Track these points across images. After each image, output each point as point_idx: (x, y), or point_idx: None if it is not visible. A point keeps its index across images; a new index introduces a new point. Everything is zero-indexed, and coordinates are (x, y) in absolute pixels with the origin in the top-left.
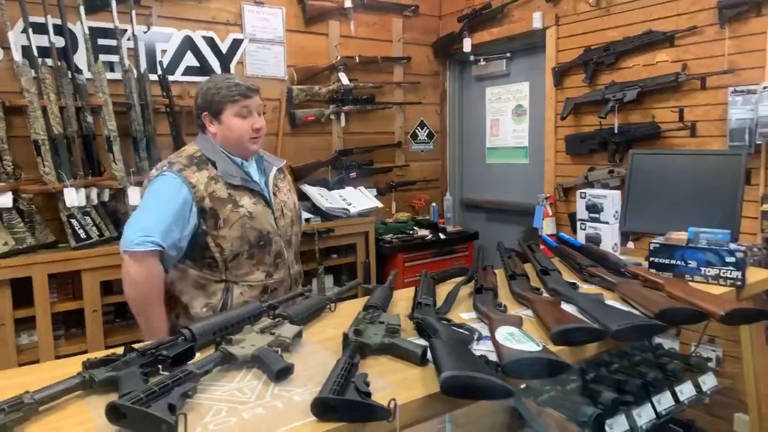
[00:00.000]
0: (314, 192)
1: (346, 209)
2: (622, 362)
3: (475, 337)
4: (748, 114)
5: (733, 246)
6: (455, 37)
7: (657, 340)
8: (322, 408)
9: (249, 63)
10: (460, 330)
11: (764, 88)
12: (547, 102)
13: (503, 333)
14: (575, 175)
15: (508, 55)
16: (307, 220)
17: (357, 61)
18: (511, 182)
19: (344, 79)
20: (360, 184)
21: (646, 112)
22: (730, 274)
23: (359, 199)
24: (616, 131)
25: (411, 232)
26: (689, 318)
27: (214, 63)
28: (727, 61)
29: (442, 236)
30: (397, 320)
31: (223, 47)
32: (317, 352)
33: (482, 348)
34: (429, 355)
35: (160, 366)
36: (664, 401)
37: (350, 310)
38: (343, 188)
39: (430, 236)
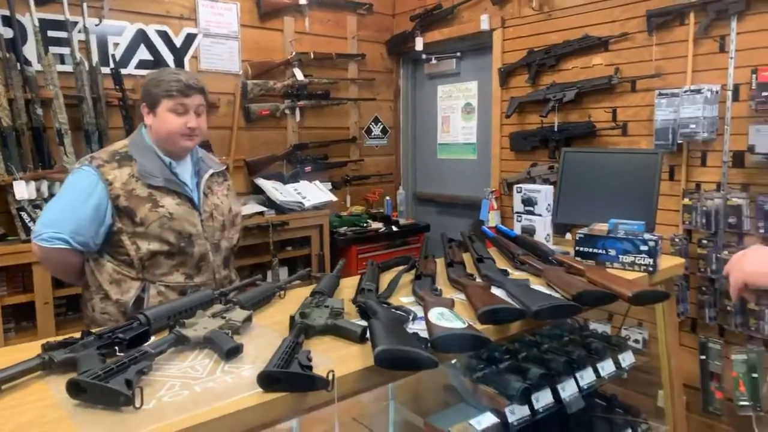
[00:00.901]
0: (269, 185)
1: (301, 203)
2: (551, 343)
3: (411, 317)
4: (671, 115)
5: (646, 236)
6: (408, 36)
7: (591, 324)
8: (267, 380)
9: (203, 57)
10: (398, 312)
11: (686, 91)
12: (494, 101)
13: (435, 313)
14: (519, 170)
15: (458, 54)
16: (261, 213)
17: (312, 57)
18: (460, 177)
19: (299, 75)
20: (315, 178)
21: (584, 112)
22: (644, 260)
23: (314, 192)
24: (556, 129)
25: (365, 224)
26: (602, 299)
27: (168, 57)
28: (655, 66)
29: (395, 228)
30: (340, 304)
31: (177, 41)
32: (266, 334)
33: (416, 327)
34: (368, 334)
35: (116, 348)
36: (586, 376)
37: (299, 296)
38: (298, 182)
39: (383, 229)
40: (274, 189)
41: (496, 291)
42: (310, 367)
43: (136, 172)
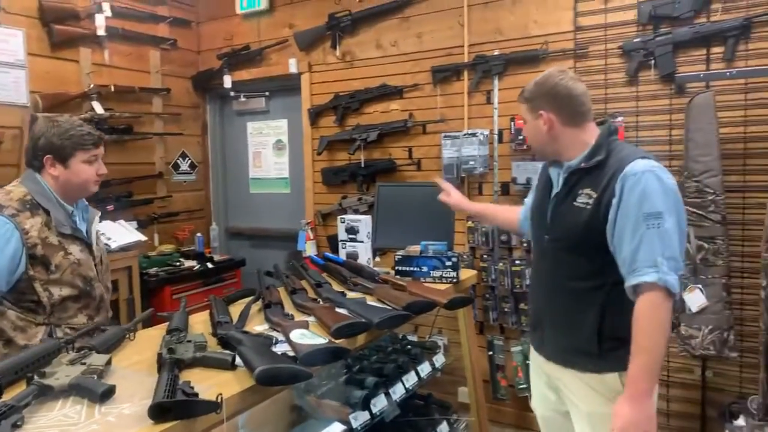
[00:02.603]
0: None
1: (107, 244)
2: (379, 354)
3: (273, 341)
4: (455, 153)
5: (449, 253)
6: (215, 73)
7: (404, 334)
8: (158, 411)
9: None
10: (261, 337)
11: (464, 134)
12: (305, 138)
13: (297, 334)
14: (331, 202)
15: (267, 93)
16: None
17: (112, 90)
18: (274, 210)
19: (99, 108)
20: (119, 217)
21: (385, 150)
22: (449, 274)
23: (119, 233)
24: (362, 165)
25: (177, 263)
26: (426, 307)
27: None
28: (440, 113)
29: (210, 265)
30: (202, 338)
31: None
32: (130, 375)
33: (280, 349)
34: (238, 360)
35: None
36: (410, 379)
37: (149, 337)
38: (101, 222)
39: (197, 266)
40: None
41: (340, 310)
42: (196, 394)
43: (51, 222)
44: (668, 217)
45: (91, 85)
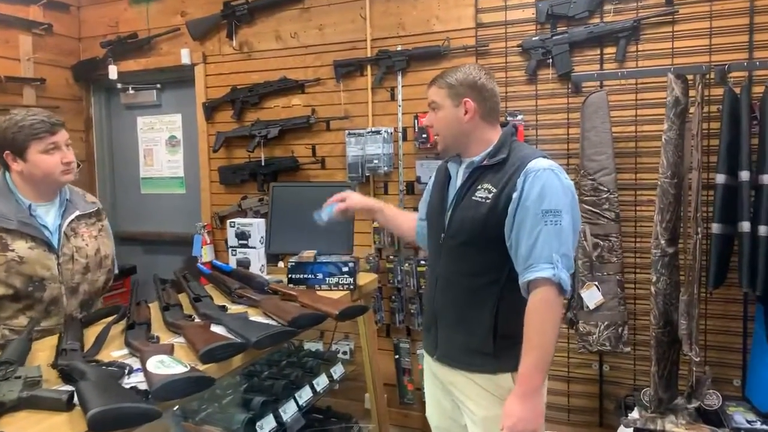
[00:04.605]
0: None
1: None
2: (271, 369)
3: (126, 371)
4: (359, 152)
5: (346, 258)
6: (99, 63)
7: (306, 344)
8: None
9: None
10: (111, 368)
11: (368, 132)
12: (200, 135)
13: (154, 362)
14: (230, 203)
15: (158, 86)
16: None
17: None
18: (169, 212)
19: None
20: None
21: (287, 148)
22: (346, 280)
23: None
24: (263, 164)
25: None
26: (314, 321)
27: None
28: (344, 109)
29: None
30: (37, 372)
31: None
32: None
33: (134, 380)
34: (76, 398)
35: None
36: (304, 394)
37: None
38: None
39: None
40: None
41: (216, 328)
42: None
43: None
44: (565, 216)
45: None
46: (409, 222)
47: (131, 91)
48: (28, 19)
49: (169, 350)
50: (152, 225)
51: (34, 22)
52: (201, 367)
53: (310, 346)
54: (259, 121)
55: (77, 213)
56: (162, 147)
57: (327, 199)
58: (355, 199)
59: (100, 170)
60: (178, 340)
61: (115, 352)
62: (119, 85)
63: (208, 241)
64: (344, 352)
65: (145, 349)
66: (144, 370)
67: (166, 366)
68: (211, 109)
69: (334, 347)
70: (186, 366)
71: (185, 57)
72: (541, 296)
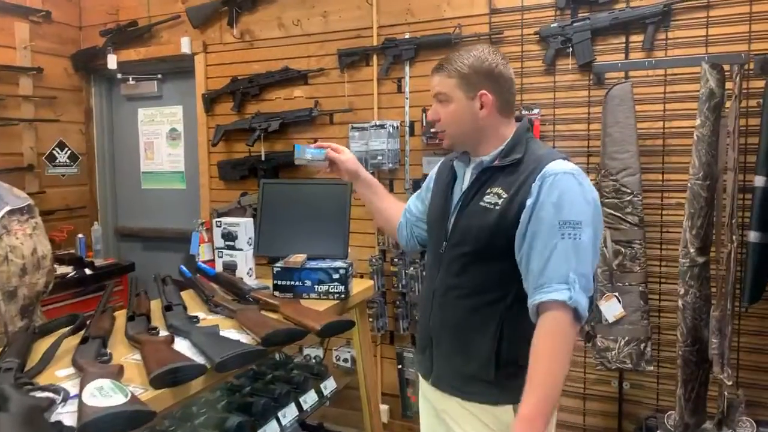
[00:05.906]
0: None
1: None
2: (254, 384)
3: (60, 399)
4: (363, 147)
5: (337, 264)
6: (98, 52)
7: (306, 350)
8: None
9: None
10: (43, 395)
11: (373, 126)
12: (199, 127)
13: (91, 388)
14: (230, 199)
15: (159, 76)
16: None
17: None
18: (169, 208)
19: None
20: None
21: (288, 142)
22: (336, 288)
23: None
24: (263, 158)
25: None
26: (290, 338)
27: None
28: (348, 101)
29: (88, 272)
30: None
31: None
32: None
33: (66, 410)
34: None
35: None
36: (288, 414)
37: None
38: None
39: (73, 273)
40: None
41: (180, 343)
42: None
43: None
44: (586, 228)
45: None
46: (397, 210)
47: (132, 82)
48: (25, 5)
49: (116, 372)
50: (152, 221)
51: (31, 9)
52: (149, 394)
53: (310, 351)
54: (259, 114)
55: (8, 208)
56: (163, 140)
57: (322, 200)
58: (350, 159)
59: (101, 164)
60: (136, 357)
61: (61, 371)
62: (119, 76)
63: (207, 239)
64: (345, 360)
65: (90, 371)
66: (79, 397)
67: (102, 395)
68: (211, 100)
69: (334, 354)
70: (126, 395)
71: (185, 46)
72: (552, 323)
